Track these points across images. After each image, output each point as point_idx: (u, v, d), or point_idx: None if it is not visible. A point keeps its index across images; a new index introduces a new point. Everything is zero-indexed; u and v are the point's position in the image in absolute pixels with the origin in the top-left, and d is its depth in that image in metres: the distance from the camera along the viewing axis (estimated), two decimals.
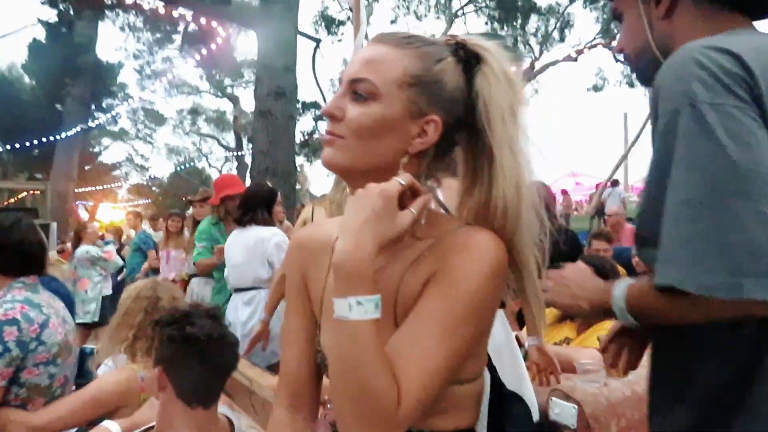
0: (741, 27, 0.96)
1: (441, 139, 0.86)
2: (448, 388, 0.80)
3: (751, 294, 0.75)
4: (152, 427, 1.54)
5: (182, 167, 29.46)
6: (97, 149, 25.93)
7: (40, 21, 17.88)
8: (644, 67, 1.06)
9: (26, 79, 21.61)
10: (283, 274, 3.05)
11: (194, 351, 1.45)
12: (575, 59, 20.91)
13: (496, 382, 0.95)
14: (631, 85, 21.85)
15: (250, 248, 3.45)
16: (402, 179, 0.79)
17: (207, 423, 1.50)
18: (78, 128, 16.96)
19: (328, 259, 0.92)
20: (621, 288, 0.97)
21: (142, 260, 6.36)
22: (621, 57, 1.11)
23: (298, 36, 10.13)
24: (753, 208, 0.76)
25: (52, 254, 6.75)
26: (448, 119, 0.86)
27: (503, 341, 1.85)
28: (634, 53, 1.07)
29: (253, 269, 3.47)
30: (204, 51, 17.22)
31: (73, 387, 2.16)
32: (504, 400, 0.94)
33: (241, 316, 3.41)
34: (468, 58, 0.87)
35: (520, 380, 1.88)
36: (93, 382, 2.05)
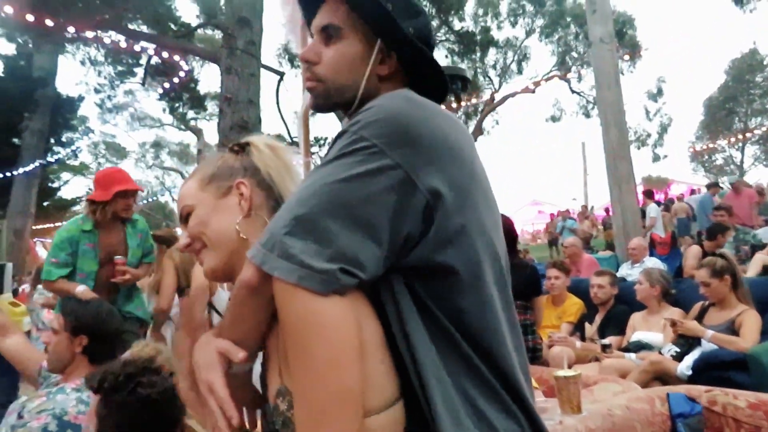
0: None
1: (267, 194, 1.08)
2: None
3: None
4: None
5: (145, 201, 28.94)
6: (56, 184, 25.28)
7: None
8: (336, 102, 1.07)
9: None
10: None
11: (150, 412, 1.41)
12: (533, 91, 21.51)
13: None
14: (587, 115, 22.54)
15: None
16: None
17: None
18: (36, 163, 16.58)
19: None
20: None
21: None
22: (306, 69, 1.08)
23: (262, 69, 10.17)
24: None
25: (6, 296, 6.50)
26: (256, 178, 1.09)
27: None
28: (334, 82, 1.06)
29: None
30: (167, 84, 17.16)
31: None
32: None
33: None
34: (239, 148, 1.14)
35: None
36: None
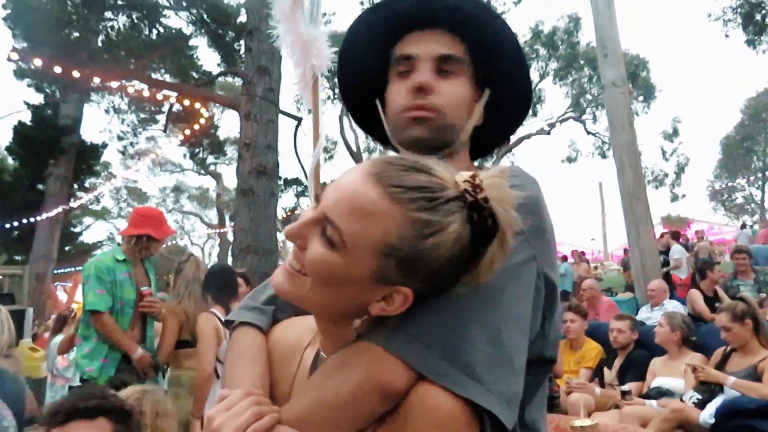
0: None
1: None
2: None
3: None
4: None
5: (164, 245, 29.32)
6: (78, 229, 25.73)
7: (26, 104, 18.18)
8: (444, 140, 0.95)
9: (9, 161, 21.68)
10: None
11: None
12: (548, 132, 21.67)
13: None
14: (604, 156, 22.57)
15: None
16: None
17: None
18: (60, 209, 16.93)
19: (296, 366, 0.92)
20: None
21: None
22: (423, 98, 0.93)
23: (280, 115, 10.39)
24: None
25: (26, 341, 6.57)
26: (425, 289, 0.74)
27: None
28: (451, 119, 0.94)
29: None
30: (187, 131, 17.56)
31: None
32: None
33: None
34: (476, 202, 0.69)
35: None
36: None
